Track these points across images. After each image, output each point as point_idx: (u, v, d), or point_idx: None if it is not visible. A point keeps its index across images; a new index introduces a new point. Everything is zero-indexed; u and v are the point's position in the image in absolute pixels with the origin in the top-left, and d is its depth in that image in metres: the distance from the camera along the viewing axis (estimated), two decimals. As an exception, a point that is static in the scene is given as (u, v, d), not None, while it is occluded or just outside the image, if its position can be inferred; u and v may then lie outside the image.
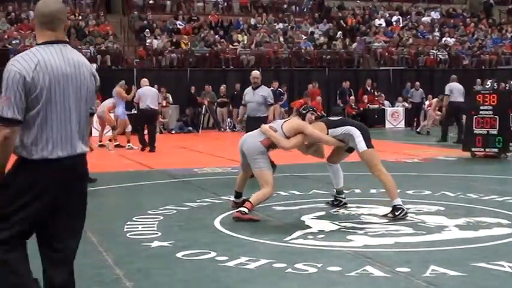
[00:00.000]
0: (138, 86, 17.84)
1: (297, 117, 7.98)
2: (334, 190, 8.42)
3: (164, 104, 22.92)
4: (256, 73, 11.25)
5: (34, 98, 3.32)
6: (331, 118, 8.42)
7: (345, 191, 9.52)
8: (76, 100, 3.46)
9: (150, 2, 32.16)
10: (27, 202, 3.40)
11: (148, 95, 16.69)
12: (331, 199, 8.45)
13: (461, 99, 18.06)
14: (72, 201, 3.57)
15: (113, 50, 27.39)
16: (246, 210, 7.60)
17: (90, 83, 3.56)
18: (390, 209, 7.66)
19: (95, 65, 3.43)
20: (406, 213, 7.58)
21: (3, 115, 3.28)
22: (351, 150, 8.15)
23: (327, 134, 7.85)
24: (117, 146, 18.04)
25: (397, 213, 7.55)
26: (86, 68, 3.54)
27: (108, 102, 18.72)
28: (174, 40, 28.66)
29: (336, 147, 8.25)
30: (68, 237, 3.61)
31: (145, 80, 17.72)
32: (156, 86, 23.58)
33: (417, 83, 26.41)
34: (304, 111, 8.00)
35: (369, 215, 7.80)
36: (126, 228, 7.17)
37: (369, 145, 7.80)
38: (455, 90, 18.20)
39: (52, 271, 3.56)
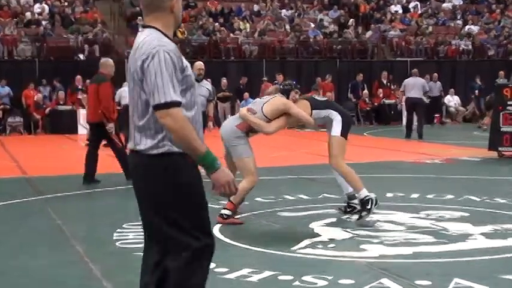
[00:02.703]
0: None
1: (279, 96, 7.87)
2: (346, 196, 8.35)
3: None
4: (201, 64, 11.27)
5: None
6: (317, 98, 8.39)
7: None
8: (131, 89, 3.51)
9: (143, -14, 32.14)
10: None
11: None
12: (344, 204, 8.37)
13: (417, 95, 19.43)
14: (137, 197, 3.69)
15: (102, 39, 27.38)
16: (227, 212, 7.61)
17: (138, 70, 3.39)
18: (358, 209, 7.70)
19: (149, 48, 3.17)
20: (377, 201, 7.59)
21: None
22: None
23: (311, 114, 7.77)
24: (106, 145, 18.04)
25: (368, 207, 7.57)
26: (139, 52, 3.39)
27: None
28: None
29: None
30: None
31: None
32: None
33: (435, 75, 26.48)
34: (286, 87, 7.91)
35: (385, 221, 7.76)
36: (116, 236, 7.14)
37: (344, 134, 7.77)
38: (408, 85, 19.56)
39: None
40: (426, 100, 21.04)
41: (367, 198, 7.60)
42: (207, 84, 11.42)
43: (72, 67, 25.59)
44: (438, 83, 26.24)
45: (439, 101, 26.31)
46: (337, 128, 7.75)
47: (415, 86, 19.58)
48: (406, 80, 20.24)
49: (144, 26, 3.51)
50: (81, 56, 26.52)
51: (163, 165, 3.40)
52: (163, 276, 3.53)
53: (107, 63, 11.11)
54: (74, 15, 28.69)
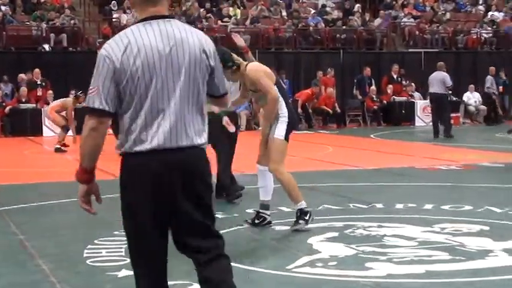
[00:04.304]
0: None
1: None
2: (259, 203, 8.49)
3: None
4: None
5: (125, 86, 3.70)
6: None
7: (361, 206, 9.59)
8: (177, 85, 3.74)
9: (118, -34, 32.20)
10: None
11: None
12: (253, 216, 8.50)
13: (437, 90, 20.64)
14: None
15: (70, 27, 27.38)
16: None
17: (195, 64, 3.78)
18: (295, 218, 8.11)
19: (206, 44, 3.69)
20: (312, 218, 8.10)
21: (89, 105, 3.72)
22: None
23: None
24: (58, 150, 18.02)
25: (306, 218, 8.00)
26: (191, 46, 3.77)
27: (56, 102, 18.94)
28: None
29: (261, 142, 8.32)
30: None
31: None
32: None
33: (492, 68, 27.44)
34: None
35: (394, 236, 7.82)
36: (87, 253, 7.18)
37: (287, 137, 8.12)
38: (433, 80, 20.82)
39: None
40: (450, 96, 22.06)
41: (306, 209, 8.05)
42: None
43: (35, 59, 25.56)
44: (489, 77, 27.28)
45: (498, 98, 27.31)
46: (281, 130, 8.06)
47: (434, 81, 20.70)
48: (432, 74, 21.37)
49: (164, 16, 3.79)
50: (46, 47, 26.47)
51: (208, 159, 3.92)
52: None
53: None
54: (38, -1, 28.68)
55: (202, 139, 3.82)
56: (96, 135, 3.73)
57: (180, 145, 3.73)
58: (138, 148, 3.71)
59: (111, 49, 3.69)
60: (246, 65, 8.15)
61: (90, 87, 3.73)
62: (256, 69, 8.08)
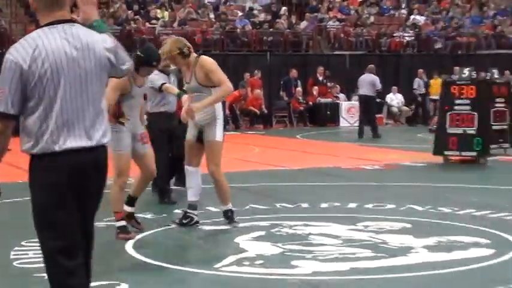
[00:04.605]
0: None
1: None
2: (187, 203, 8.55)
3: None
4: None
5: (33, 88, 3.70)
6: None
7: (287, 206, 9.66)
8: (84, 87, 3.79)
9: (44, -34, 31.69)
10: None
11: None
12: (180, 217, 8.54)
13: (366, 92, 21.37)
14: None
15: (-4, 27, 26.91)
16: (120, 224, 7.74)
17: (100, 66, 3.85)
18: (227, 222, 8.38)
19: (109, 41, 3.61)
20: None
21: None
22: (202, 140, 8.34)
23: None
24: None
25: (233, 216, 8.36)
26: (96, 50, 3.83)
27: None
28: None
29: (188, 143, 8.37)
30: None
31: None
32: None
33: (420, 70, 28.13)
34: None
35: (319, 235, 7.90)
36: (13, 255, 7.08)
37: (223, 137, 8.33)
38: (362, 82, 21.60)
39: None
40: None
41: (234, 209, 8.43)
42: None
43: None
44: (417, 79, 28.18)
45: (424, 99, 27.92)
46: (220, 131, 8.23)
47: (363, 82, 21.38)
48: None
49: (69, 21, 3.86)
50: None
51: None
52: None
53: None
54: (-39, -1, 28.11)
55: (107, 138, 3.89)
56: (1, 138, 3.75)
57: (91, 145, 3.79)
58: (51, 149, 3.73)
59: (18, 53, 3.69)
60: (197, 56, 8.19)
61: None
62: (212, 60, 8.17)
